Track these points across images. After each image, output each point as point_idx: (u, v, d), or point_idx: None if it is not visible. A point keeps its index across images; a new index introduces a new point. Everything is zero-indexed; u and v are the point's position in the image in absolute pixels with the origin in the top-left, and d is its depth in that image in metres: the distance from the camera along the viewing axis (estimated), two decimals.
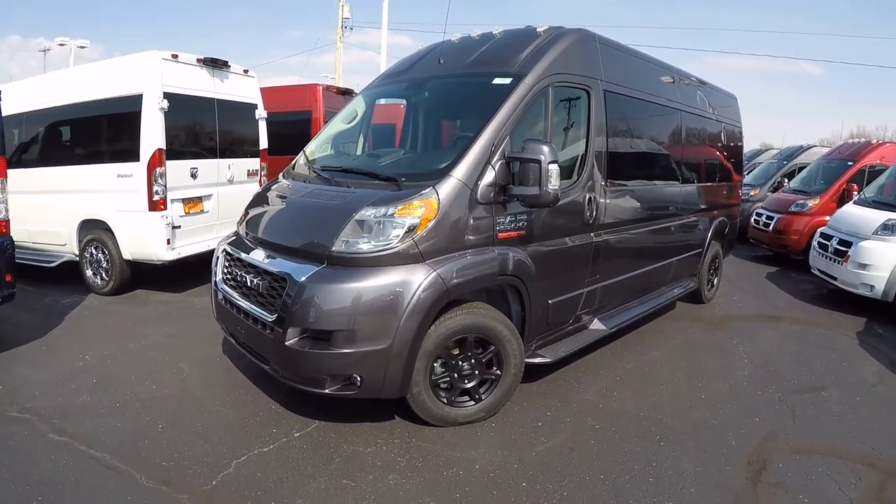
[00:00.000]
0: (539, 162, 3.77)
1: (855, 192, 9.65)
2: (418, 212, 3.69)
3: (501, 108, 4.10)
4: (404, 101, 5.86)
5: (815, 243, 8.67)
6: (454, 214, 3.81)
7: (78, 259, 7.46)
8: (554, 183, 3.83)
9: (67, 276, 7.60)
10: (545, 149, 3.80)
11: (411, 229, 3.66)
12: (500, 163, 3.97)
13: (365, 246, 3.67)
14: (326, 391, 3.68)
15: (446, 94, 5.16)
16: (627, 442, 3.98)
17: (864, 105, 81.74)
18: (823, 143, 29.18)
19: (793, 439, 4.15)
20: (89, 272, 7.34)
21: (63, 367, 4.91)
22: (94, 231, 7.22)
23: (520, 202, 4.05)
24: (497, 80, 4.38)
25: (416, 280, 3.61)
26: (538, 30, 4.76)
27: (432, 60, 5.17)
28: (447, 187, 3.80)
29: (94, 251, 7.25)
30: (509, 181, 3.99)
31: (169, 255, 6.94)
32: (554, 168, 3.80)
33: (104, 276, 7.22)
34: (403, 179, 3.96)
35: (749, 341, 6.33)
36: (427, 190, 3.77)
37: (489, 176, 3.93)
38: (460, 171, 3.86)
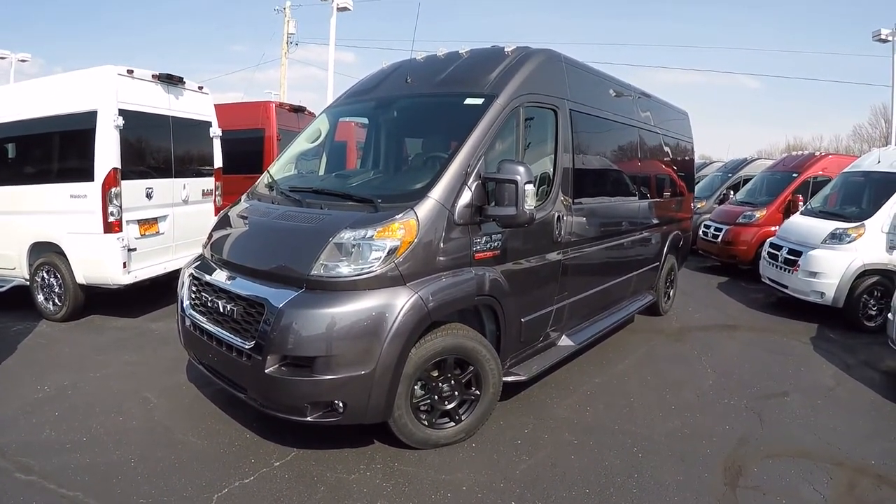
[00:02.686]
0: (515, 182, 3.80)
1: (800, 203, 10.09)
2: (398, 234, 3.68)
3: (475, 128, 4.13)
4: (366, 120, 5.84)
5: (764, 253, 9.01)
6: (433, 236, 3.80)
7: (28, 283, 7.13)
8: (530, 203, 3.88)
9: (17, 301, 7.25)
10: (521, 169, 3.84)
11: (392, 252, 3.64)
12: (476, 183, 3.99)
13: (344, 269, 3.63)
14: (308, 419, 3.61)
15: (417, 114, 5.16)
16: (607, 455, 4.04)
17: (800, 117, 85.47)
18: (762, 154, 30.40)
19: (763, 444, 4.30)
20: (41, 297, 7.02)
21: (22, 400, 4.67)
22: (46, 254, 6.91)
23: (496, 222, 4.08)
24: (469, 101, 4.41)
25: (398, 303, 3.59)
26: (506, 50, 4.81)
27: (399, 79, 5.16)
28: (426, 209, 3.80)
29: (45, 275, 6.94)
30: (485, 202, 4.02)
31: (125, 279, 6.69)
32: (530, 188, 3.86)
33: (56, 301, 6.92)
34: (380, 201, 3.93)
35: (709, 351, 6.52)
36: (406, 212, 3.76)
37: (466, 197, 3.95)
38: (437, 192, 3.87)
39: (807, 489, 3.69)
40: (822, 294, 7.59)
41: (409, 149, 5.40)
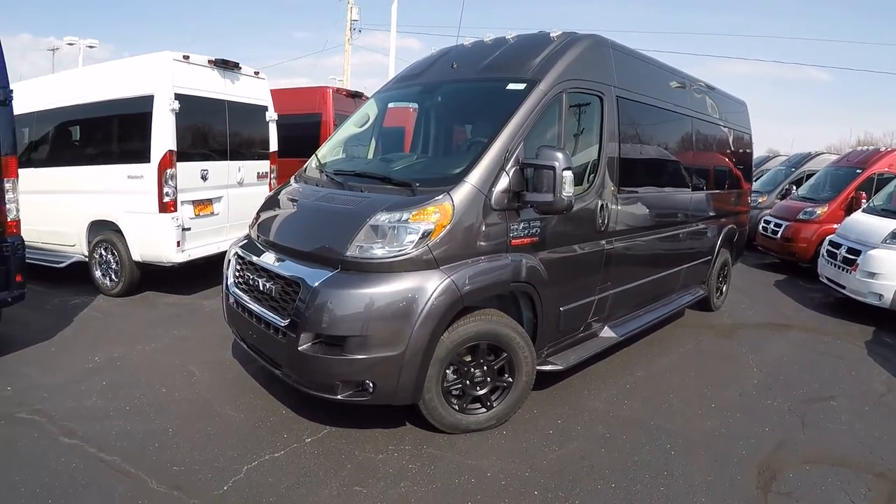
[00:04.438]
0: (553, 168, 3.76)
1: (863, 201, 9.63)
2: (433, 217, 3.69)
3: (516, 113, 4.10)
4: (416, 105, 5.86)
5: (823, 251, 8.66)
6: (468, 220, 3.80)
7: (87, 260, 7.48)
8: (568, 190, 3.83)
9: (77, 276, 7.62)
10: (560, 155, 3.79)
11: (426, 235, 3.66)
12: (514, 169, 3.96)
13: (379, 251, 3.67)
14: (339, 397, 3.67)
15: (460, 99, 5.15)
16: (638, 451, 3.97)
17: (872, 111, 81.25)
18: (831, 149, 29.10)
19: (802, 449, 4.14)
20: (98, 273, 7.35)
21: (72, 369, 4.91)
22: (104, 232, 7.24)
23: (533, 209, 4.04)
24: (511, 86, 4.37)
25: (431, 286, 3.60)
26: (551, 35, 4.74)
27: (445, 65, 5.17)
28: (462, 193, 3.79)
29: (103, 252, 7.26)
30: (523, 187, 3.98)
31: (179, 258, 6.95)
32: (568, 175, 3.80)
33: (113, 277, 7.24)
34: (417, 184, 3.95)
35: (758, 349, 6.31)
36: (442, 195, 3.77)
37: (503, 182, 3.93)
38: (475, 176, 3.86)
39: (843, 499, 3.53)
40: (881, 296, 7.23)
41: (452, 134, 5.39)
